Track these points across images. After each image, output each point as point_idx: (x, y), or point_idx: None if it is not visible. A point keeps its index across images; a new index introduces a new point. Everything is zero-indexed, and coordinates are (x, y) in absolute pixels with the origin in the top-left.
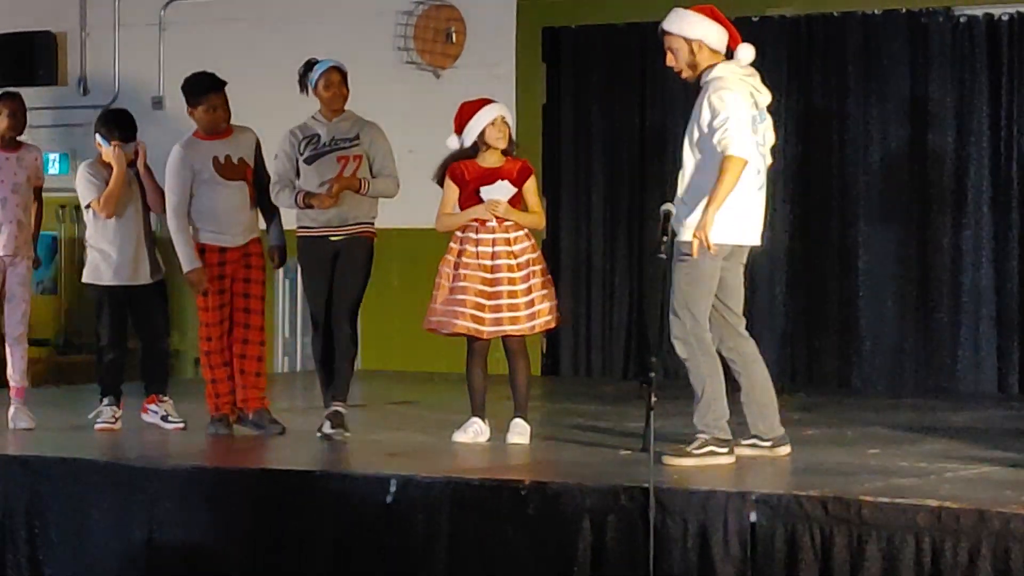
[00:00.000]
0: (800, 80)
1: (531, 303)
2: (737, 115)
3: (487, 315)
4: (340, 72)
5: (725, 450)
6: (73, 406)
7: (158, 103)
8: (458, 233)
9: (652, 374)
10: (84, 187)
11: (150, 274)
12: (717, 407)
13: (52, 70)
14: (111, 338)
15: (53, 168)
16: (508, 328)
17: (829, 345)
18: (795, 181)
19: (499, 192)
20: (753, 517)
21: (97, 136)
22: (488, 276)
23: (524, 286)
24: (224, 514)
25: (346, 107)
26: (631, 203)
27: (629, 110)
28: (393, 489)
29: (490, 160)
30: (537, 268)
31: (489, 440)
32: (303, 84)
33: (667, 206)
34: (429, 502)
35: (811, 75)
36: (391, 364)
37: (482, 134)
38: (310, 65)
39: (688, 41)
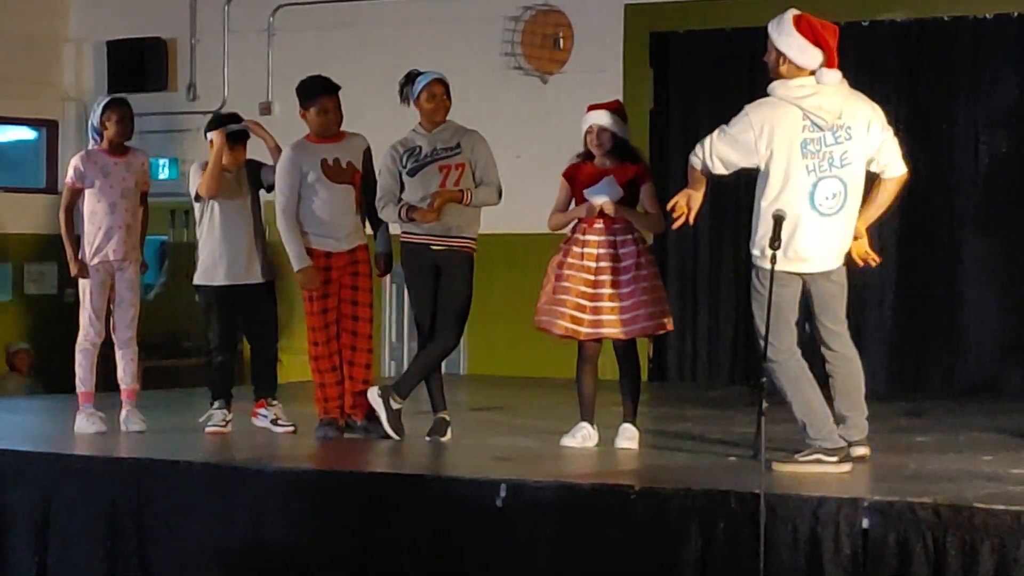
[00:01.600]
0: (909, 85)
1: (632, 307)
2: (730, 136)
3: (587, 316)
4: (443, 84)
5: (834, 459)
6: (182, 409)
7: (266, 109)
8: (568, 233)
9: (763, 379)
10: (193, 179)
11: (261, 273)
12: (812, 418)
13: (162, 76)
14: (221, 341)
15: (163, 173)
16: (606, 332)
17: (936, 350)
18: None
19: (601, 190)
20: (865, 523)
21: (207, 135)
22: (591, 278)
23: (627, 290)
24: (329, 517)
25: (450, 116)
26: (738, 208)
27: (736, 114)
28: (503, 494)
29: (603, 164)
30: (644, 272)
31: (597, 445)
32: (404, 95)
33: (779, 211)
34: (538, 506)
35: (920, 80)
36: (495, 369)
37: (584, 139)
38: (411, 77)
39: (776, 50)
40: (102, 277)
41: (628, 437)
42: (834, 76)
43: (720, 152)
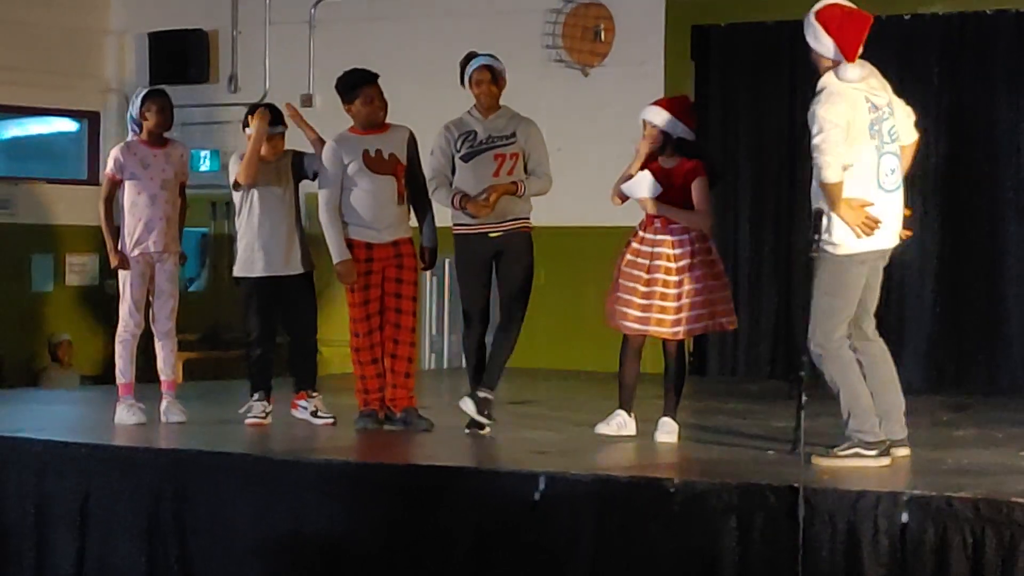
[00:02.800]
0: (950, 79)
1: (683, 308)
2: (834, 138)
3: (635, 312)
4: (490, 70)
5: (873, 453)
6: (222, 401)
7: (308, 101)
8: (636, 229)
9: (802, 373)
10: (232, 168)
11: (301, 264)
12: (857, 410)
13: (203, 68)
14: (260, 332)
15: (204, 165)
16: (652, 329)
17: (977, 346)
18: (944, 180)
19: (637, 185)
20: (904, 518)
21: (245, 128)
22: (644, 276)
23: (676, 291)
24: (368, 509)
25: (502, 103)
26: (778, 202)
27: (778, 109)
28: (542, 486)
29: (667, 161)
30: (699, 273)
31: (634, 436)
32: (461, 77)
33: (820, 205)
34: (576, 499)
35: (961, 74)
36: (532, 362)
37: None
38: (469, 58)
39: (809, 46)
40: (142, 268)
41: (667, 431)
42: (855, 72)
43: (841, 156)
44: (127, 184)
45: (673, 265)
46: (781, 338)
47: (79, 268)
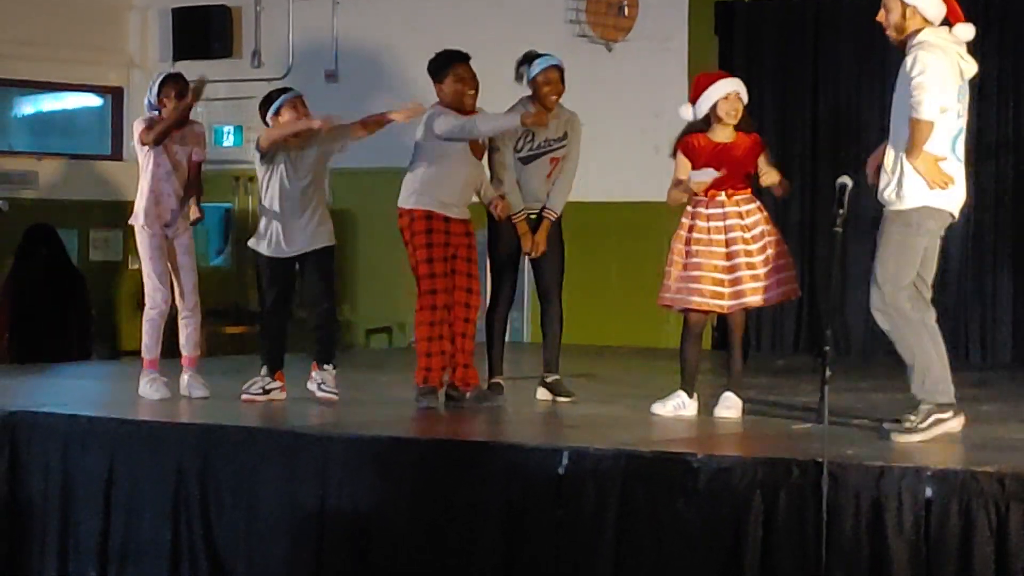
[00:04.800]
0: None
1: (768, 274)
2: (934, 78)
3: (727, 289)
4: (559, 71)
5: (949, 415)
6: (246, 376)
7: (332, 76)
8: (689, 208)
9: (827, 348)
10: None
11: (323, 239)
12: (932, 372)
13: (227, 43)
14: (274, 306)
15: (227, 140)
16: (750, 300)
17: (1004, 320)
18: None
19: (703, 176)
20: (928, 493)
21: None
22: (723, 250)
23: (761, 257)
24: (393, 484)
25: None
26: (802, 178)
27: (802, 85)
28: (565, 461)
29: (721, 135)
30: (772, 239)
31: (697, 415)
32: (519, 74)
33: (843, 179)
34: (600, 474)
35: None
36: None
37: (714, 107)
38: (529, 58)
39: (903, 3)
40: (159, 241)
41: (728, 406)
42: (969, 31)
43: (939, 102)
44: (149, 154)
45: (749, 234)
46: (805, 313)
47: (102, 244)
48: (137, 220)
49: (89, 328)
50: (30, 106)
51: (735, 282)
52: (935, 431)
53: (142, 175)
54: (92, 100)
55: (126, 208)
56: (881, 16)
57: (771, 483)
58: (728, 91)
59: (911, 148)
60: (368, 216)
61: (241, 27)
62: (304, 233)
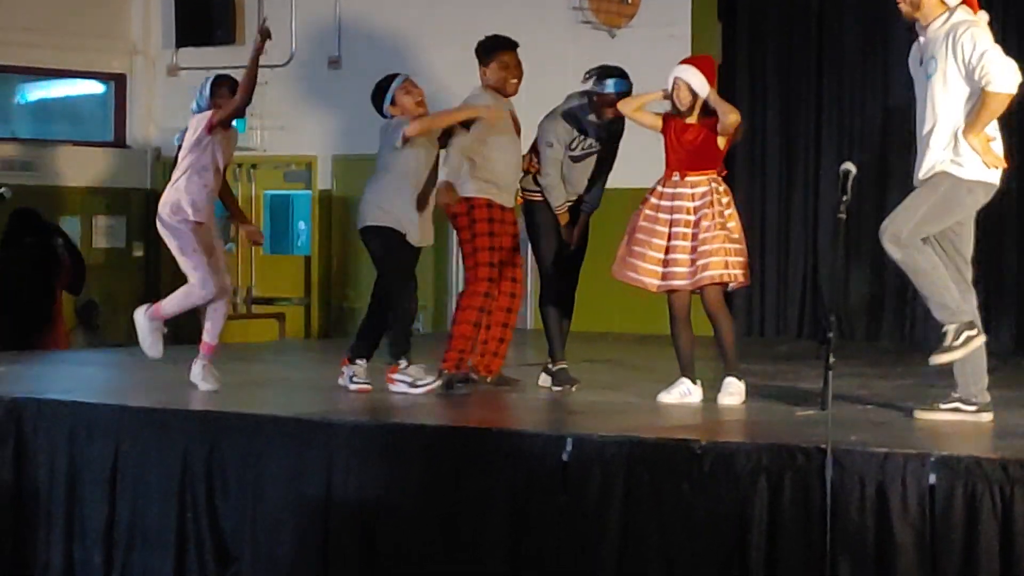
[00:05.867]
0: None
1: (696, 258)
2: (996, 49)
3: (660, 269)
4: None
5: (973, 408)
6: (252, 362)
7: (335, 62)
8: (652, 187)
9: (830, 334)
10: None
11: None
12: (949, 292)
13: (229, 29)
14: (409, 292)
15: None
16: (674, 283)
17: (1007, 308)
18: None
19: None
20: (932, 479)
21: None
22: (665, 230)
23: (693, 243)
24: (400, 471)
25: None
26: (806, 163)
27: (805, 70)
28: (569, 448)
29: (690, 119)
30: (713, 223)
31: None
32: (586, 78)
33: (847, 165)
34: (605, 461)
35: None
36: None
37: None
38: (607, 74)
39: None
40: (202, 235)
41: (731, 392)
42: (985, 17)
43: (1011, 72)
44: (207, 148)
45: (692, 217)
46: (809, 298)
47: (106, 230)
48: (184, 214)
49: (83, 317)
50: (33, 93)
51: (669, 263)
52: (951, 416)
53: (190, 169)
54: (95, 87)
55: (129, 195)
56: None
57: (775, 469)
58: (672, 78)
59: (975, 122)
60: None
61: (244, 13)
62: (426, 226)
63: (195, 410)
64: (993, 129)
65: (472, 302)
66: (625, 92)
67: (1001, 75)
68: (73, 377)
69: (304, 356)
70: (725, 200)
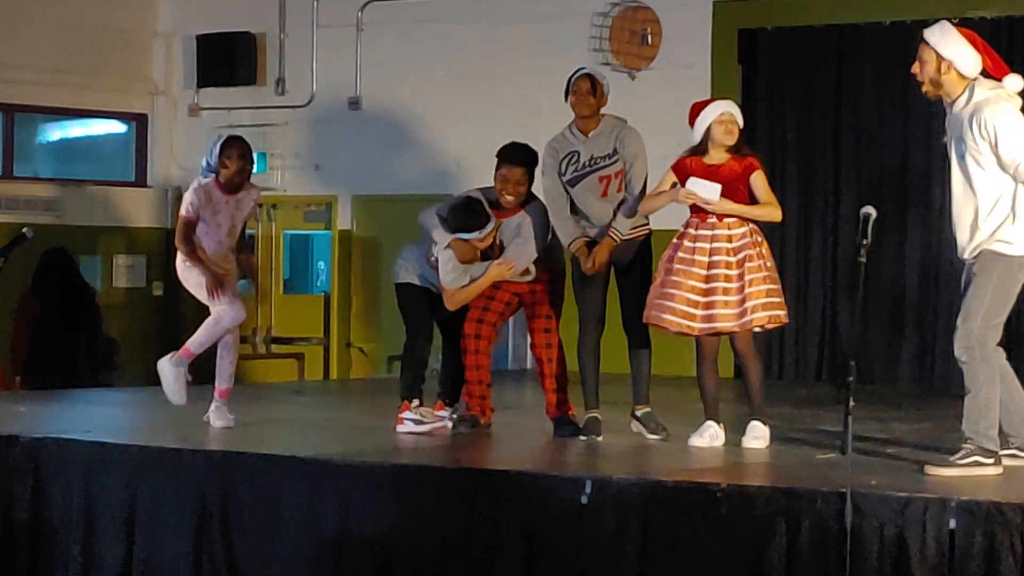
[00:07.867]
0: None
1: (744, 299)
2: (1021, 132)
3: (699, 312)
4: (589, 79)
5: (991, 460)
6: (268, 402)
7: (355, 103)
8: (682, 228)
9: (850, 378)
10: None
11: None
12: (989, 415)
13: (251, 70)
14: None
15: None
16: (719, 326)
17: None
18: None
19: (702, 188)
20: (952, 524)
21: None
22: (703, 272)
23: (738, 284)
24: (416, 511)
25: (604, 112)
26: (825, 205)
27: (824, 113)
28: (588, 490)
29: (716, 158)
30: (756, 264)
31: (725, 445)
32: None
33: (867, 209)
34: (623, 503)
35: None
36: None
37: (708, 129)
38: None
39: (939, 58)
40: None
41: (756, 436)
42: (1019, 82)
43: None
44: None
45: (733, 259)
46: (828, 341)
47: (127, 270)
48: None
49: (103, 354)
50: (55, 132)
51: (709, 305)
52: (971, 471)
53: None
54: (117, 127)
55: (150, 235)
56: (916, 69)
57: (794, 513)
58: (721, 111)
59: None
60: (391, 243)
61: (265, 54)
62: None
63: (212, 450)
64: None
65: (553, 341)
66: (589, 74)
67: None
68: (91, 416)
69: (322, 397)
70: (760, 239)
